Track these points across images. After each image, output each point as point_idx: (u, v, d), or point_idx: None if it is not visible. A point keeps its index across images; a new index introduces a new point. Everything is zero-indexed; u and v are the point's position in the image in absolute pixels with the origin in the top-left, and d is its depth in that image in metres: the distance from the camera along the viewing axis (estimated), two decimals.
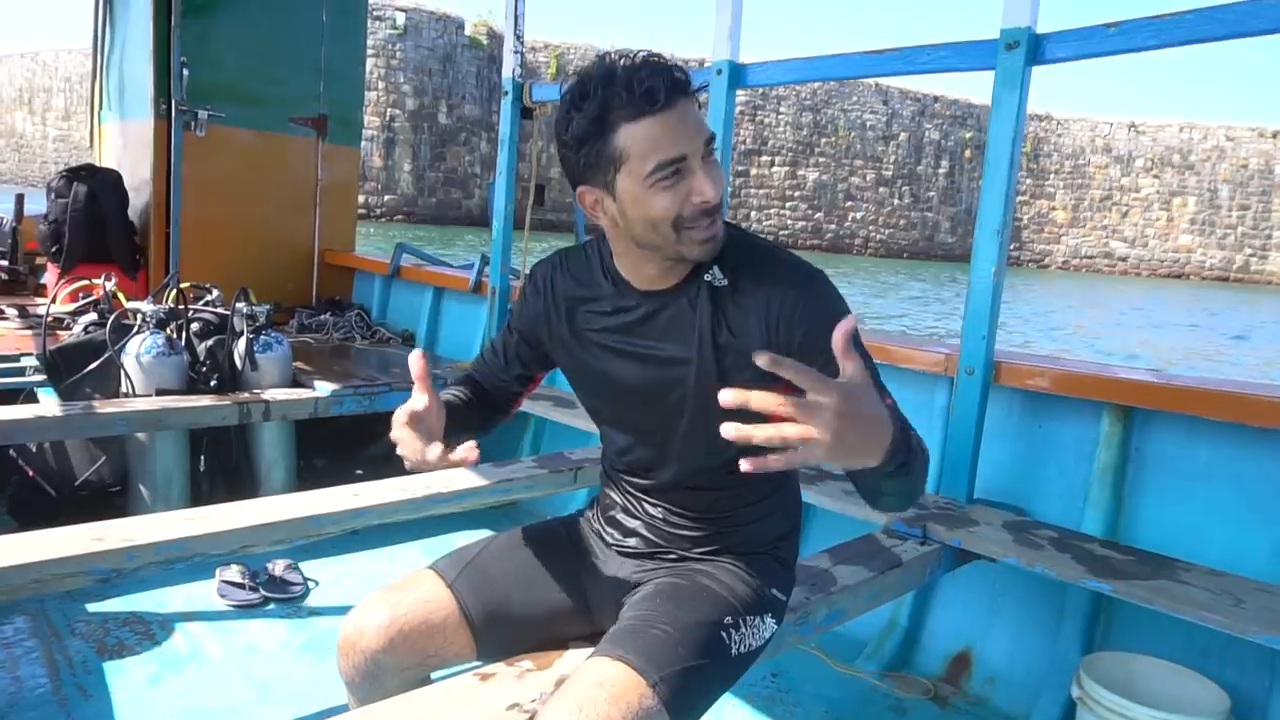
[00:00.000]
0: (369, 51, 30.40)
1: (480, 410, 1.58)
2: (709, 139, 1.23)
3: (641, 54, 1.23)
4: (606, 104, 1.19)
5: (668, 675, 1.21)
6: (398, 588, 1.46)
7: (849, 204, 39.22)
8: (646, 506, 1.50)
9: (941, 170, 40.49)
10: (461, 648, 1.44)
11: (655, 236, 1.26)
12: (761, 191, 37.70)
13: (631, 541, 1.52)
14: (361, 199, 30.01)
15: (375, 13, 30.01)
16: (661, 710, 1.19)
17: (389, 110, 31.32)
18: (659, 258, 1.32)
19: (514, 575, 1.48)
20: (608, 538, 1.56)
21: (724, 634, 1.34)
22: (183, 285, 3.50)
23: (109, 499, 3.23)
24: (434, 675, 1.50)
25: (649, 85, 1.18)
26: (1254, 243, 38.94)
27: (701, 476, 1.44)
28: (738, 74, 3.04)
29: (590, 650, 1.33)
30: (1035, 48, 2.31)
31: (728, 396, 0.92)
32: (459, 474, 2.63)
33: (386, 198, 31.64)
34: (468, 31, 32.72)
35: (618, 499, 1.55)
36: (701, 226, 1.24)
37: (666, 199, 1.22)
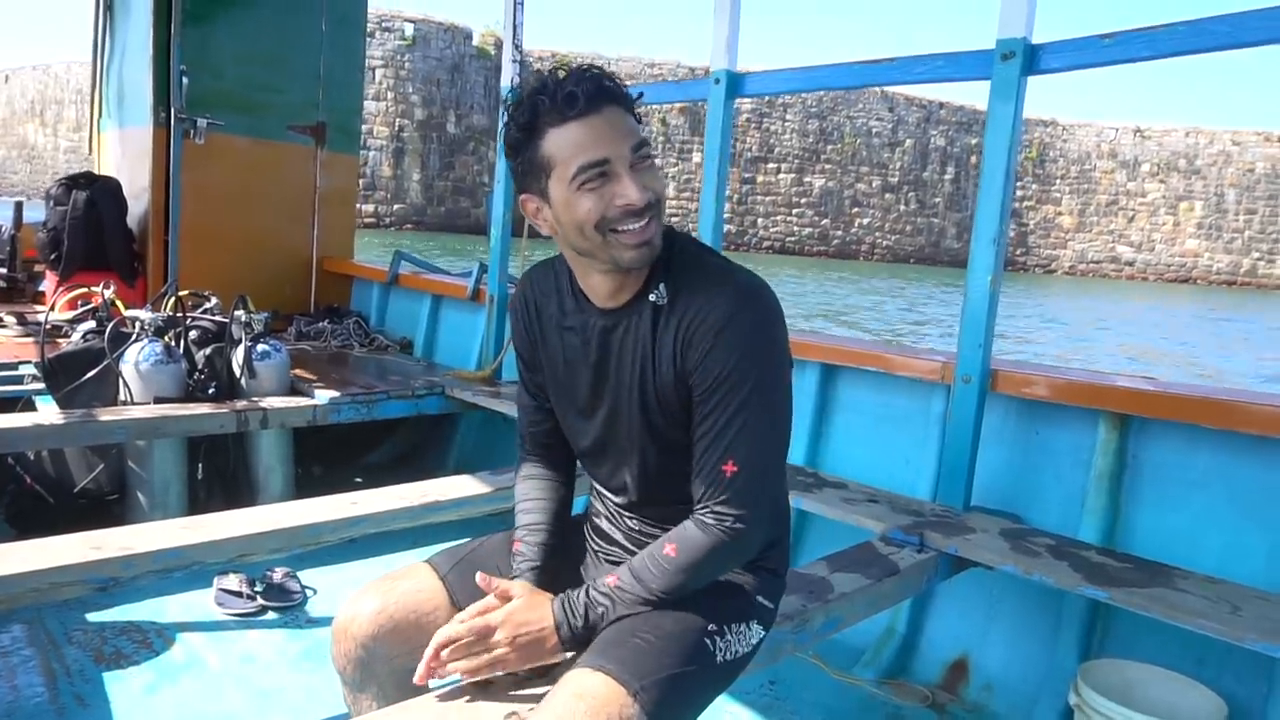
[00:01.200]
0: (378, 62, 30.62)
1: (560, 514, 1.55)
2: (637, 145, 1.25)
3: (582, 66, 1.26)
4: (535, 110, 1.24)
5: (649, 684, 1.21)
6: (392, 578, 1.48)
7: (855, 210, 39.24)
8: (624, 519, 1.51)
9: (947, 176, 40.49)
10: None
11: (586, 241, 1.28)
12: (768, 198, 37.75)
13: (615, 551, 1.53)
14: (371, 208, 30.18)
15: (384, 24, 30.19)
16: (643, 718, 1.19)
17: (398, 120, 31.48)
18: (601, 267, 1.32)
19: (505, 571, 1.48)
20: (595, 546, 1.57)
21: (708, 641, 1.33)
22: (181, 293, 3.51)
23: (107, 507, 3.24)
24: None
25: (570, 91, 1.22)
26: (1261, 246, 38.84)
27: (666, 493, 1.43)
28: (736, 83, 3.04)
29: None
30: (1030, 58, 2.31)
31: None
32: (456, 482, 2.63)
33: (395, 207, 31.78)
34: (475, 42, 32.90)
35: (600, 509, 1.56)
36: (629, 230, 1.25)
37: (590, 200, 1.24)
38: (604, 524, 1.55)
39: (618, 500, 1.50)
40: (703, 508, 1.32)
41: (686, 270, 1.33)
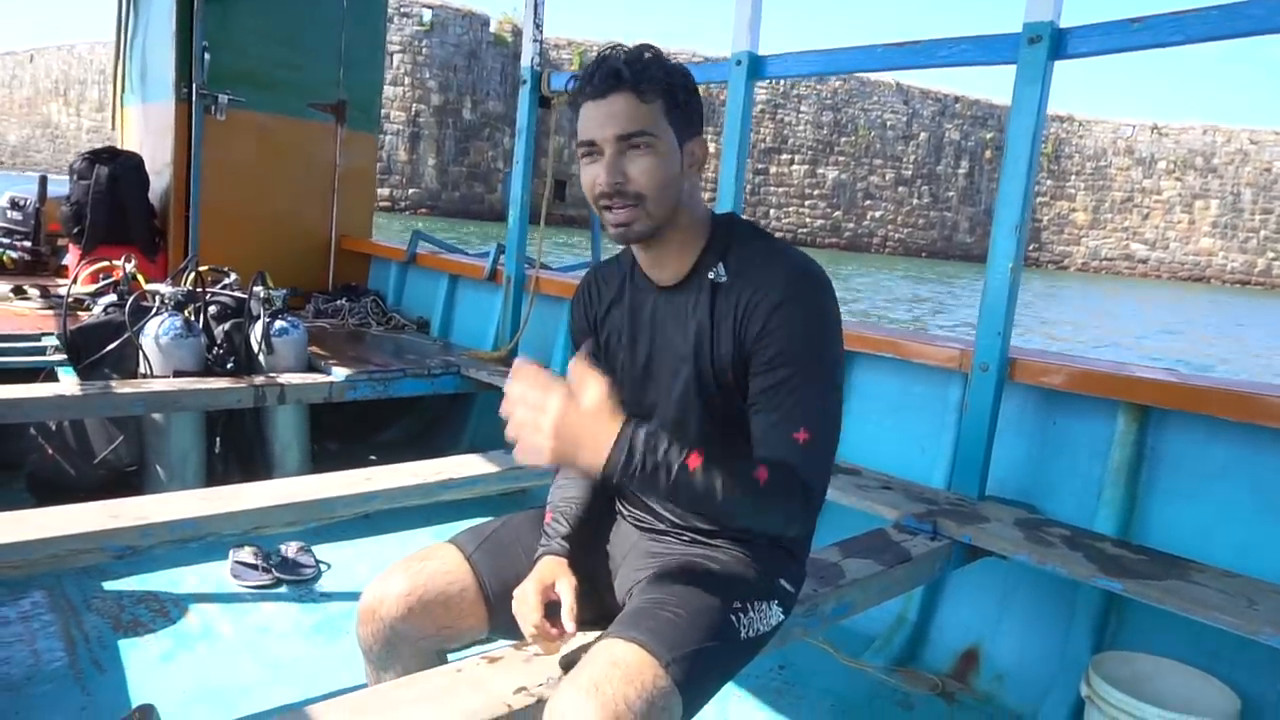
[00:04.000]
0: (396, 47, 30.61)
1: (596, 494, 1.55)
2: (626, 134, 1.32)
3: (629, 48, 1.35)
4: (576, 86, 1.37)
5: (679, 656, 1.23)
6: (419, 558, 1.50)
7: (868, 203, 39.06)
8: None
9: (961, 170, 40.24)
10: (476, 621, 1.47)
11: (595, 209, 1.39)
12: (781, 189, 37.59)
13: (647, 516, 1.55)
14: (386, 192, 30.17)
15: (402, 9, 30.20)
16: (674, 690, 1.21)
17: (414, 105, 31.48)
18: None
19: (530, 551, 1.50)
20: (624, 511, 1.59)
21: (733, 617, 1.36)
22: (201, 268, 3.53)
23: (125, 478, 3.27)
24: (448, 649, 1.52)
25: (587, 74, 1.34)
26: (1277, 246, 38.49)
27: None
28: (757, 65, 3.03)
29: (599, 632, 1.35)
30: (1058, 42, 2.29)
31: None
32: (470, 460, 2.65)
33: (411, 191, 31.83)
34: (492, 29, 32.84)
35: None
36: (605, 209, 1.36)
37: (585, 175, 1.37)
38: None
39: None
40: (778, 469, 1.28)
41: (747, 250, 1.40)
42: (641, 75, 1.31)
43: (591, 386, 1.19)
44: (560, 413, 1.15)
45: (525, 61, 3.74)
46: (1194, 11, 2.08)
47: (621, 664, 1.20)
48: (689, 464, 1.20)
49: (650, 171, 1.32)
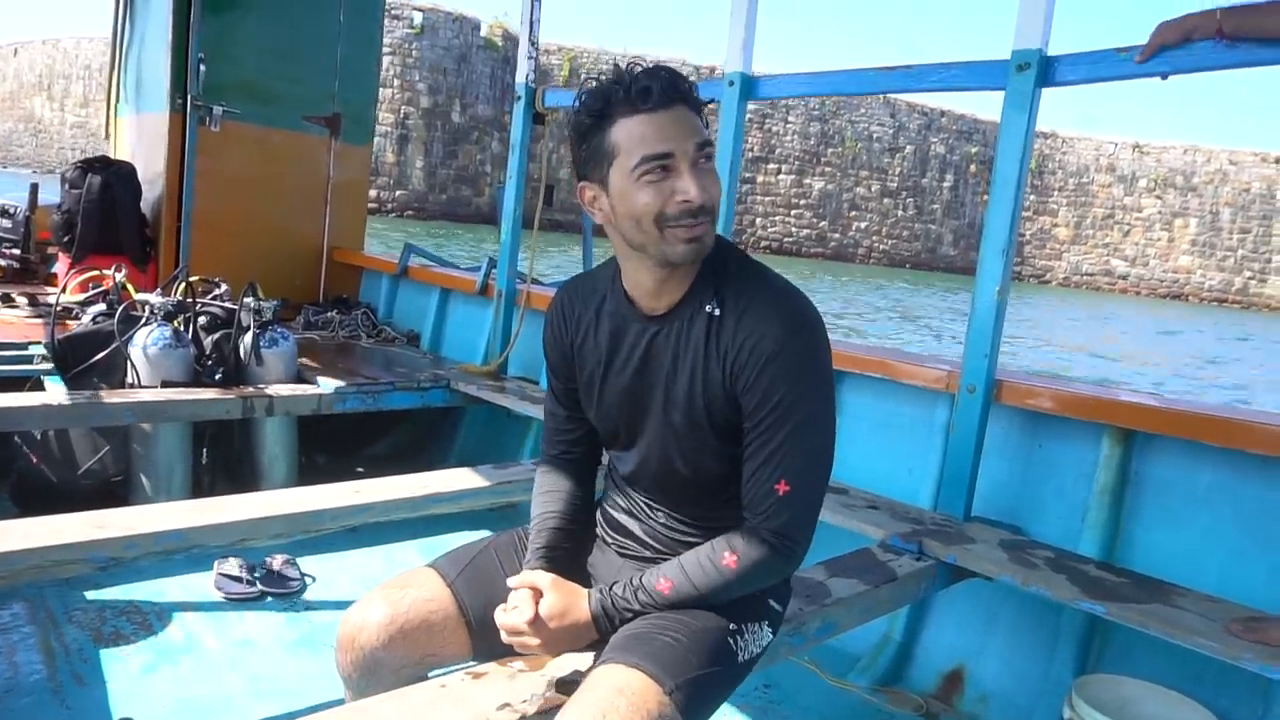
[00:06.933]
0: (386, 49, 30.54)
1: (576, 510, 1.57)
2: (701, 144, 1.28)
3: (656, 65, 1.31)
4: (607, 99, 1.28)
5: (683, 683, 1.24)
6: (398, 585, 1.47)
7: (853, 214, 39.19)
8: (647, 511, 1.52)
9: (946, 184, 40.44)
10: (459, 647, 1.46)
11: (640, 234, 1.30)
12: (767, 199, 37.69)
13: (631, 544, 1.54)
14: (373, 194, 30.04)
15: (393, 11, 30.20)
16: (677, 717, 1.22)
17: (403, 108, 31.44)
18: (649, 262, 1.34)
19: (512, 574, 1.48)
20: (608, 539, 1.58)
21: (730, 640, 1.36)
22: (191, 278, 3.51)
23: (111, 488, 3.24)
24: (430, 675, 1.51)
25: (645, 84, 1.26)
26: (1253, 266, 38.80)
27: (696, 493, 1.46)
28: (749, 86, 3.05)
29: (585, 654, 1.36)
30: (1046, 70, 2.32)
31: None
32: (459, 474, 2.64)
33: (398, 193, 31.76)
34: (483, 33, 32.86)
35: (620, 502, 1.57)
36: (684, 226, 1.27)
37: (650, 193, 1.27)
38: (623, 517, 1.55)
39: (648, 497, 1.51)
40: (756, 523, 1.34)
41: (742, 286, 1.35)
42: (691, 89, 1.30)
43: (544, 596, 1.37)
44: (541, 634, 1.35)
45: (520, 78, 3.75)
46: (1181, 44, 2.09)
47: (627, 691, 1.20)
48: (662, 591, 1.35)
49: (717, 184, 1.31)
